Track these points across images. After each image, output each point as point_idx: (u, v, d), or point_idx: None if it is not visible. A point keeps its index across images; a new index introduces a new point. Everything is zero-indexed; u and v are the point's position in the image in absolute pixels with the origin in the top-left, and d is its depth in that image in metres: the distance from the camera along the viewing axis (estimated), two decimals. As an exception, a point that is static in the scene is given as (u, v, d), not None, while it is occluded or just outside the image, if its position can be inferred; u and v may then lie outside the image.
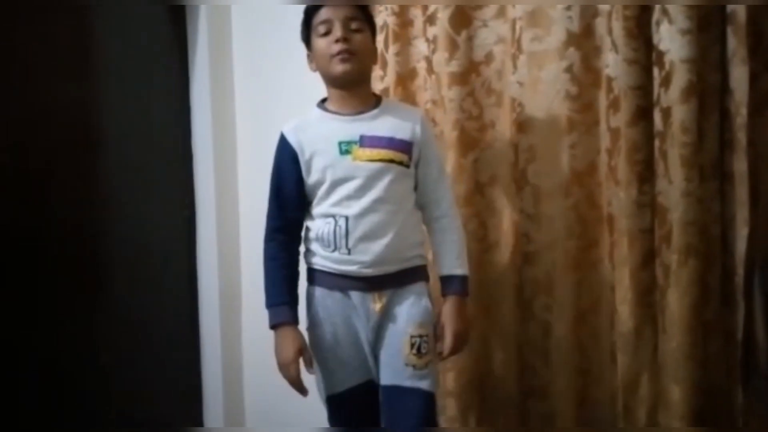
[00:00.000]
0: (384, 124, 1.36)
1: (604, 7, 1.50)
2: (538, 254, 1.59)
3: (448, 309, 1.38)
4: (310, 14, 1.36)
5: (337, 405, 1.38)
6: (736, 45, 1.40)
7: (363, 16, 1.35)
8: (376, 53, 1.45)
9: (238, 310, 2.09)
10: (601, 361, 1.57)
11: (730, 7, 1.40)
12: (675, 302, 1.42)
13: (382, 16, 1.68)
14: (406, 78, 1.71)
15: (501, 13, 1.62)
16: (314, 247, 1.38)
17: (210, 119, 1.99)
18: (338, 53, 1.30)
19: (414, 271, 1.38)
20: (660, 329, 1.47)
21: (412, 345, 1.32)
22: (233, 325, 2.07)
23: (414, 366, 1.32)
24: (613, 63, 1.49)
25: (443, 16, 1.61)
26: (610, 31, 1.49)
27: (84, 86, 1.73)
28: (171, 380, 1.97)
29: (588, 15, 1.52)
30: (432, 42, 1.64)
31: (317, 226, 1.36)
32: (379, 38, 1.68)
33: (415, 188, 1.40)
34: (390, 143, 1.34)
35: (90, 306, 1.73)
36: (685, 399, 1.42)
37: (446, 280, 1.40)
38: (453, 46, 1.61)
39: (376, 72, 1.70)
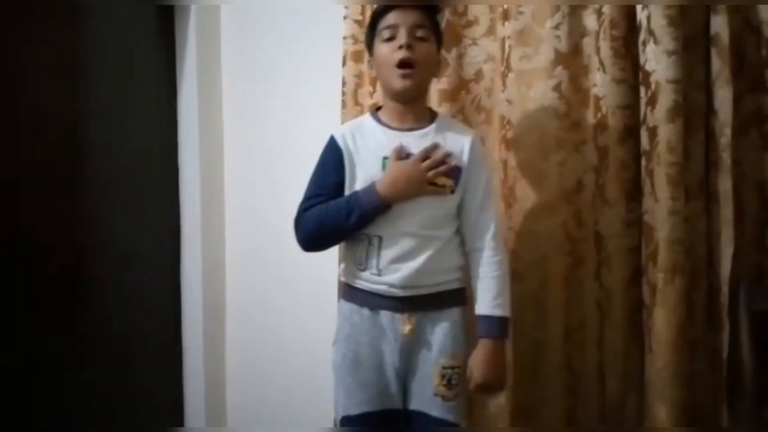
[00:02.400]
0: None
1: (591, 27, 1.53)
2: (527, 271, 1.59)
3: (478, 353, 1.29)
4: (376, 18, 1.32)
5: (351, 427, 1.31)
6: (720, 67, 1.42)
7: (431, 24, 1.32)
8: (439, 65, 1.41)
9: (221, 323, 2.07)
10: (588, 380, 1.56)
11: (713, 30, 1.43)
12: (661, 321, 1.42)
13: (373, 32, 1.69)
14: (396, 94, 1.71)
15: (490, 31, 1.63)
16: (347, 262, 1.35)
17: (197, 131, 1.99)
18: (400, 62, 1.26)
19: (449, 294, 1.32)
20: (647, 348, 1.47)
21: (443, 376, 1.28)
22: (216, 340, 2.05)
23: (443, 397, 1.28)
24: (601, 82, 1.51)
25: (433, 33, 1.62)
26: (597, 51, 1.51)
27: (69, 94, 1.72)
28: (152, 396, 1.95)
29: (576, 35, 1.55)
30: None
31: (351, 242, 1.32)
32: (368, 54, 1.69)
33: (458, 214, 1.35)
34: None
35: (72, 318, 1.70)
36: (672, 418, 1.41)
37: (481, 320, 1.30)
38: (443, 63, 1.62)
39: (366, 88, 1.71)
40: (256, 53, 2.00)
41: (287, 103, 1.94)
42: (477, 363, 1.28)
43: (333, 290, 1.54)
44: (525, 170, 1.59)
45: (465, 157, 1.32)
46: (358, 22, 1.70)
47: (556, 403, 1.56)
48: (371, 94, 1.71)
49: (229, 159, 2.07)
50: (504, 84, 1.60)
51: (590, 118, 1.55)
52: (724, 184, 1.43)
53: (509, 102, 1.59)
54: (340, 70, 1.71)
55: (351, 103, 1.71)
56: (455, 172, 1.30)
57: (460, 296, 1.35)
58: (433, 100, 1.63)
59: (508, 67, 1.59)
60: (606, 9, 1.47)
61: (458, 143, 1.32)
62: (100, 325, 1.77)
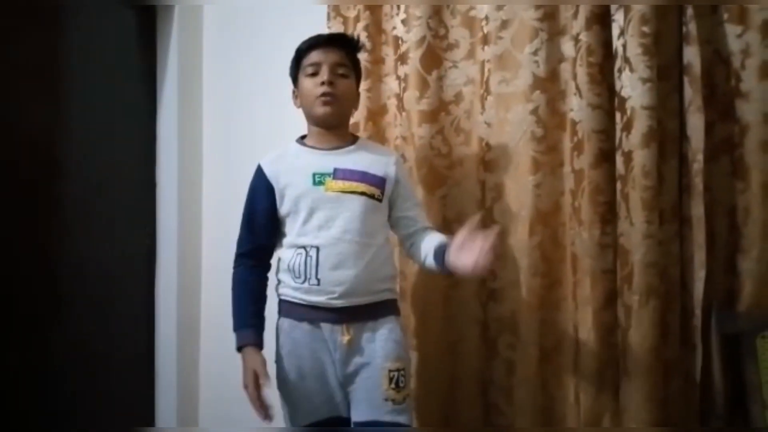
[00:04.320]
0: (358, 159, 1.41)
1: (569, 54, 1.56)
2: (504, 292, 1.60)
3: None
4: (300, 54, 1.42)
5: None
6: (692, 95, 1.47)
7: (350, 63, 1.43)
8: (358, 98, 1.52)
9: (196, 340, 2.04)
10: (564, 401, 1.57)
11: (686, 59, 1.48)
12: (636, 343, 1.44)
13: (355, 53, 1.71)
14: (376, 114, 1.73)
15: (470, 55, 1.66)
16: (285, 278, 1.39)
17: (176, 148, 1.97)
18: (322, 95, 1.37)
19: (384, 304, 1.39)
20: (621, 369, 1.48)
21: (391, 379, 1.33)
22: (190, 356, 2.01)
23: (393, 400, 1.33)
24: (578, 107, 1.54)
25: (414, 55, 1.64)
26: (574, 77, 1.54)
27: (47, 99, 1.67)
28: (125, 411, 1.90)
29: (554, 60, 1.58)
30: (403, 80, 1.67)
31: (289, 257, 1.37)
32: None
33: (391, 225, 1.45)
34: (363, 177, 1.38)
35: (45, 333, 1.66)
36: (646, 439, 1.42)
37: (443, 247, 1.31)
38: (423, 85, 1.64)
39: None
40: (239, 58, 2.00)
41: (269, 115, 1.93)
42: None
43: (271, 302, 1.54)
44: (502, 191, 1.61)
45: (392, 171, 1.42)
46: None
47: (532, 423, 1.56)
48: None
49: (208, 179, 2.05)
50: (483, 107, 1.63)
51: (567, 141, 1.58)
52: (697, 209, 1.46)
53: (488, 124, 1.62)
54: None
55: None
56: (380, 182, 1.40)
57: (394, 307, 1.42)
58: (413, 120, 1.65)
59: (487, 91, 1.62)
60: (583, 36, 1.50)
61: (382, 159, 1.43)
62: (75, 331, 1.72)
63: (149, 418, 1.98)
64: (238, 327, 1.38)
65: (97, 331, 1.79)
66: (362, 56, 1.68)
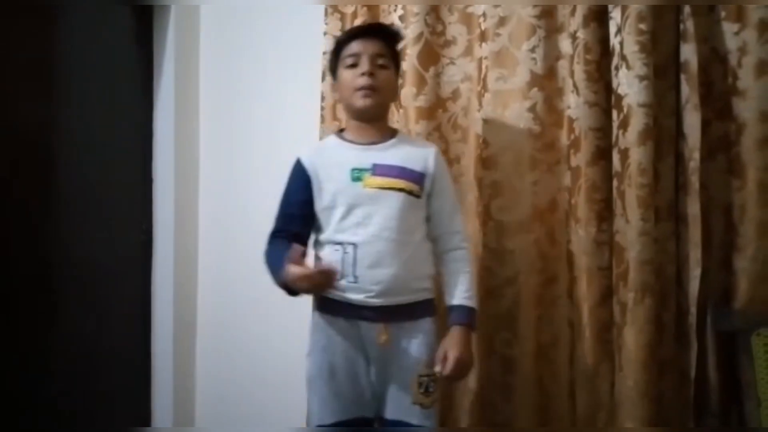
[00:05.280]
0: (397, 154, 1.38)
1: (566, 51, 1.57)
2: (501, 289, 1.60)
3: (453, 335, 1.33)
4: (340, 46, 1.40)
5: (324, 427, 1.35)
6: (689, 93, 1.47)
7: (390, 54, 1.40)
8: (398, 90, 1.49)
9: (192, 339, 2.03)
10: (560, 397, 1.57)
11: (683, 57, 1.48)
12: (631, 340, 1.44)
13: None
14: (373, 111, 1.73)
15: (468, 51, 1.66)
16: None
17: (172, 145, 1.97)
18: (362, 87, 1.35)
19: (422, 305, 1.37)
20: (617, 366, 1.48)
21: (420, 384, 1.32)
22: (186, 353, 2.01)
23: (422, 405, 1.32)
24: (575, 104, 1.54)
25: (412, 52, 1.64)
26: (572, 74, 1.54)
27: (43, 98, 1.67)
28: (121, 411, 1.90)
29: (551, 57, 1.58)
30: (400, 77, 1.67)
31: (326, 253, 1.36)
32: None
33: (428, 220, 1.40)
34: (401, 173, 1.35)
35: (40, 331, 1.65)
36: (641, 436, 1.43)
37: (455, 310, 1.37)
38: (421, 81, 1.64)
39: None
40: (236, 57, 1.99)
41: (265, 114, 1.93)
42: (452, 344, 1.32)
43: (302, 298, 1.54)
44: (499, 189, 1.61)
45: (431, 166, 1.39)
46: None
47: (528, 420, 1.56)
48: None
49: (204, 174, 2.05)
50: (480, 104, 1.63)
51: (564, 139, 1.58)
52: (693, 207, 1.46)
53: (485, 121, 1.62)
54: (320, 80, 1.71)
55: (329, 118, 1.71)
56: (419, 178, 1.37)
57: (430, 307, 1.40)
58: (411, 117, 1.65)
59: (484, 87, 1.62)
60: (580, 34, 1.50)
61: (421, 153, 1.40)
62: (70, 329, 1.73)
63: (146, 418, 1.98)
64: (276, 270, 1.30)
65: (92, 329, 1.80)
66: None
